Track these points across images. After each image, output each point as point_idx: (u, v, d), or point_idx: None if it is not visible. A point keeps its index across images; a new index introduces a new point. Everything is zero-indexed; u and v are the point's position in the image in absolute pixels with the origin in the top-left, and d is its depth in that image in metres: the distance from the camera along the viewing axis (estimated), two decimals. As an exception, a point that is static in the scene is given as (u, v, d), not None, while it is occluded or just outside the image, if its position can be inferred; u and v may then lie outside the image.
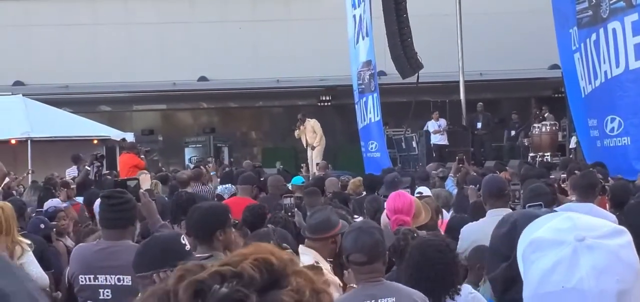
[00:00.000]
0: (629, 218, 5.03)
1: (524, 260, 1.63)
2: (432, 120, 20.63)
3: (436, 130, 20.27)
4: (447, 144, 20.14)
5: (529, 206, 4.39)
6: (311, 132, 19.41)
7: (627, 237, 1.58)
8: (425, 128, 20.39)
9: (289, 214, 6.03)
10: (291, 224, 5.19)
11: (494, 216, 4.87)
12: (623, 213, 5.65)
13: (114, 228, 4.74)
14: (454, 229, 5.61)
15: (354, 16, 20.40)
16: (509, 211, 4.98)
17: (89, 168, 13.61)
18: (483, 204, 5.84)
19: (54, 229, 7.39)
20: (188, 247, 3.81)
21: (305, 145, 19.60)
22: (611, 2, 12.42)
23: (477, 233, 5.21)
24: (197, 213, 4.52)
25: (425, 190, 8.46)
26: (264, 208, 6.18)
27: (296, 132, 19.83)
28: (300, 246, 4.69)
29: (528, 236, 1.64)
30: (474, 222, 5.77)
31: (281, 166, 18.65)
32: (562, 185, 8.58)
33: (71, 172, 14.75)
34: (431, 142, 20.04)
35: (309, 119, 19.71)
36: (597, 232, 1.57)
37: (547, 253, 1.57)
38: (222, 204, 5.28)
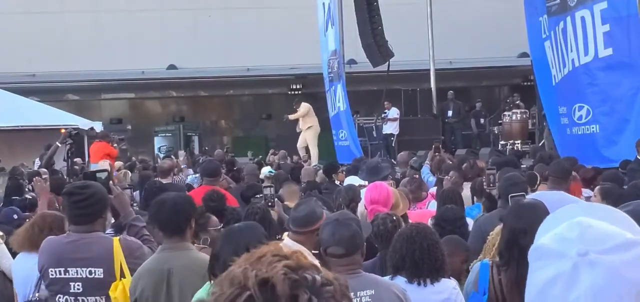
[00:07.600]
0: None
1: (529, 263, 1.57)
2: (385, 110, 20.51)
3: (384, 118, 20.20)
4: (396, 132, 20.04)
5: (512, 197, 4.39)
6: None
7: (637, 250, 1.49)
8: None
9: (270, 203, 5.98)
10: (268, 215, 5.13)
11: None
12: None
13: (81, 224, 4.61)
14: (446, 220, 5.46)
15: (323, 4, 20.37)
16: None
17: (59, 145, 12.80)
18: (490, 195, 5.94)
19: (28, 220, 7.24)
20: None
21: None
22: (580, -9, 12.49)
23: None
24: (167, 207, 4.42)
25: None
26: (220, 192, 6.26)
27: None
28: (286, 237, 4.62)
29: (536, 240, 1.57)
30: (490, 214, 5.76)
31: (253, 157, 18.51)
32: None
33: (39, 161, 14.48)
34: (383, 132, 20.05)
35: (302, 103, 19.29)
36: (603, 246, 1.49)
37: (550, 264, 1.51)
38: (185, 195, 5.16)
